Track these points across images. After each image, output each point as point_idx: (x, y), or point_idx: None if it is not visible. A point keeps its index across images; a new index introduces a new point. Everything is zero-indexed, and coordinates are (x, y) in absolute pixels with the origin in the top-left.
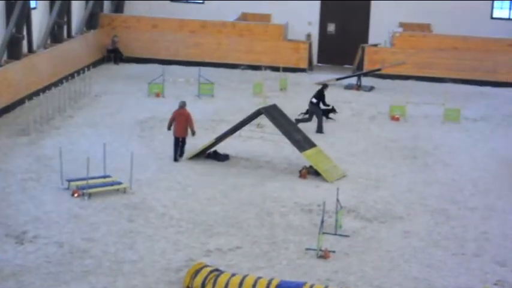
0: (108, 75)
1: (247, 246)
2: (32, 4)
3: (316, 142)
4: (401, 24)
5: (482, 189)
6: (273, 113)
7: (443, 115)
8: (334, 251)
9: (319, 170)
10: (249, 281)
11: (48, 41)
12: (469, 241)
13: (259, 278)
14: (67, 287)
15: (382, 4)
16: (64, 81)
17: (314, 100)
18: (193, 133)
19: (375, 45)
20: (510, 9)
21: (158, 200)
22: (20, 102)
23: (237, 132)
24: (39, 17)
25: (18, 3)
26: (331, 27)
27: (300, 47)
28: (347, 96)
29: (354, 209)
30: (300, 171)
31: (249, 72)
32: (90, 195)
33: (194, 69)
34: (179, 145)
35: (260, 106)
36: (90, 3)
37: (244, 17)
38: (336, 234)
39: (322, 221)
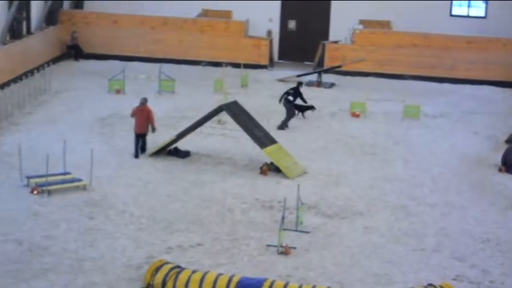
0: (68, 72)
1: (208, 243)
2: None
3: (277, 139)
4: (362, 22)
5: (442, 185)
6: (234, 110)
7: (403, 112)
8: (295, 247)
9: (280, 167)
10: (210, 278)
11: (7, 37)
12: (428, 237)
13: (220, 274)
14: (26, 285)
15: (342, 1)
16: (23, 77)
17: (291, 98)
18: (153, 130)
19: (336, 42)
20: (469, 6)
21: (118, 197)
22: None
23: (198, 129)
24: None
25: None
26: (291, 24)
27: (261, 44)
28: (308, 93)
29: (315, 205)
30: (261, 168)
31: (210, 68)
32: (49, 192)
33: (155, 66)
34: (140, 142)
35: (221, 103)
36: None
37: (205, 13)
38: (296, 230)
39: (283, 218)
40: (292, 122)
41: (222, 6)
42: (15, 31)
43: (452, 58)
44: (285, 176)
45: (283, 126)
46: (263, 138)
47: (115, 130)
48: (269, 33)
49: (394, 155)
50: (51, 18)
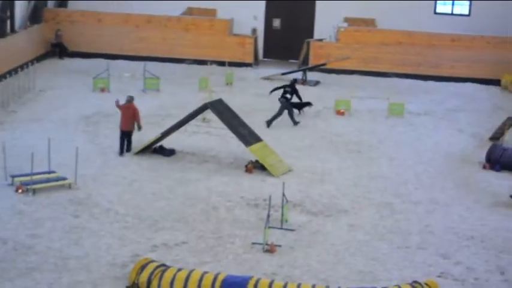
0: (52, 70)
1: (193, 241)
2: None
3: (262, 137)
4: (346, 19)
5: (426, 183)
6: (219, 108)
7: (388, 109)
8: (280, 245)
9: (265, 165)
10: (195, 276)
11: None
12: (413, 234)
13: (206, 273)
14: (11, 284)
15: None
16: (8, 76)
17: (289, 96)
18: (139, 128)
19: (320, 40)
20: (453, 4)
21: (103, 196)
22: None
23: (183, 127)
24: None
25: None
26: (276, 22)
27: (246, 42)
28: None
29: (300, 203)
30: (246, 166)
31: (195, 66)
32: (34, 191)
33: (140, 64)
34: (125, 140)
35: (206, 101)
36: None
37: (190, 11)
38: (281, 228)
39: (268, 215)
40: (277, 119)
41: (207, 4)
42: None
43: (436, 56)
44: (270, 174)
45: (270, 124)
46: (248, 136)
47: (100, 128)
48: (254, 31)
49: (378, 152)
50: (35, 16)
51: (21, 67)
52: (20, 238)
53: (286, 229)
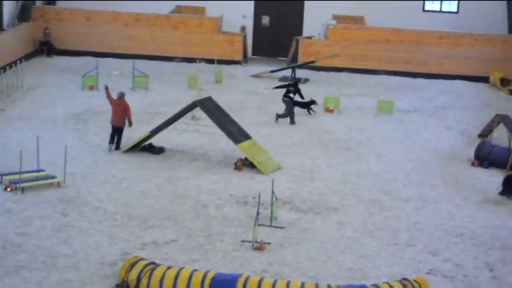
0: (41, 68)
1: (182, 239)
2: None
3: (251, 134)
4: (335, 17)
5: (415, 180)
6: (208, 106)
7: (377, 107)
8: (269, 243)
9: (255, 162)
10: (184, 274)
11: None
12: (402, 231)
13: (195, 270)
14: (0, 283)
15: None
16: None
17: (291, 95)
18: (130, 124)
19: (309, 37)
20: (441, 2)
21: (92, 194)
22: None
23: (172, 125)
24: None
25: None
26: (265, 20)
27: (235, 40)
28: (281, 89)
29: (289, 200)
30: (235, 164)
31: (184, 64)
32: (23, 189)
33: (128, 62)
34: (115, 135)
35: (195, 99)
36: None
37: (179, 9)
38: (271, 226)
39: (258, 213)
40: (263, 118)
41: (196, 2)
42: None
43: (425, 53)
44: (259, 172)
45: (292, 121)
46: (237, 134)
47: (89, 126)
48: (243, 29)
49: (367, 150)
50: (23, 14)
51: (10, 65)
52: (9, 236)
53: (276, 227)
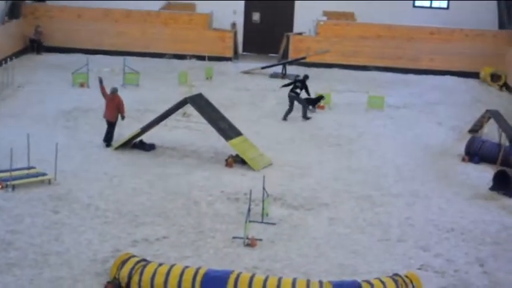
0: (31, 66)
1: (173, 235)
2: None
3: (242, 131)
4: (326, 13)
5: (406, 175)
6: (199, 102)
7: (368, 103)
8: (261, 239)
9: (245, 159)
10: (176, 271)
11: None
12: (393, 227)
13: (187, 267)
14: None
15: None
16: None
17: (298, 91)
18: (122, 118)
19: (300, 33)
20: None
21: (84, 191)
22: None
23: (163, 122)
24: None
25: None
26: (256, 16)
27: (226, 36)
28: (272, 85)
29: (280, 196)
30: (227, 160)
31: (175, 61)
32: (14, 187)
33: (119, 59)
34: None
35: (186, 95)
36: None
37: (169, 6)
38: (262, 222)
39: (249, 209)
40: (257, 114)
41: None
42: None
43: (415, 49)
44: (250, 168)
45: (305, 116)
46: (228, 131)
47: (79, 124)
48: (233, 25)
49: (358, 146)
50: (13, 11)
51: (0, 63)
52: (0, 234)
53: (267, 223)
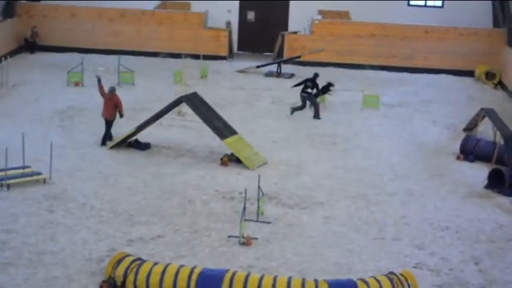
0: (26, 65)
1: (169, 234)
2: None
3: (237, 130)
4: (321, 12)
5: (401, 174)
6: (194, 101)
7: (362, 101)
8: (256, 238)
9: (241, 158)
10: (171, 270)
11: None
12: (388, 226)
13: (182, 266)
14: None
15: None
16: None
17: (309, 90)
18: (121, 116)
19: (295, 32)
20: None
21: (79, 190)
22: None
23: (158, 121)
24: None
25: None
26: (250, 15)
27: (220, 35)
28: (267, 84)
29: (276, 195)
30: (222, 159)
31: (170, 60)
32: (9, 186)
33: (114, 58)
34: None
35: (181, 94)
36: None
37: (164, 5)
38: (257, 221)
39: (244, 208)
40: (252, 113)
41: None
42: None
43: (410, 48)
44: (245, 167)
45: (317, 116)
46: (223, 130)
47: (74, 123)
48: (228, 24)
49: (353, 144)
50: (8, 11)
51: None
52: None
53: (262, 222)
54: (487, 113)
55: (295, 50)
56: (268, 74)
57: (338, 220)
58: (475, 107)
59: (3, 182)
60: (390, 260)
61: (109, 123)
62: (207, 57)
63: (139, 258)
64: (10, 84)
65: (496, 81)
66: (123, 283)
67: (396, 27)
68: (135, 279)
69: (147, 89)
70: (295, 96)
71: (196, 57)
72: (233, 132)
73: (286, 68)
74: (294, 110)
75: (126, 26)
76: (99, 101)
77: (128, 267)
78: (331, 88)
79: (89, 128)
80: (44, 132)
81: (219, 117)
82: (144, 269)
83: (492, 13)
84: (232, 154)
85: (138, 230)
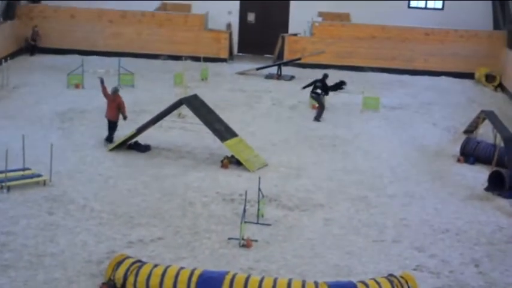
0: (26, 67)
1: (169, 236)
2: None
3: (237, 132)
4: (321, 14)
5: (401, 176)
6: (194, 103)
7: (363, 103)
8: (256, 240)
9: (241, 160)
10: (171, 272)
11: None
12: (388, 228)
13: (182, 268)
14: None
15: None
16: None
17: (319, 91)
18: (124, 118)
19: (295, 34)
20: None
21: (79, 192)
22: None
23: (159, 123)
24: None
25: None
26: (251, 17)
27: (221, 37)
28: (267, 86)
29: (276, 197)
30: (222, 161)
31: (170, 62)
32: (9, 188)
33: (114, 60)
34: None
35: (181, 96)
36: None
37: (164, 7)
38: (258, 223)
39: (244, 210)
40: (252, 115)
41: None
42: None
43: (410, 50)
44: (245, 169)
45: (318, 118)
46: (223, 132)
47: (75, 125)
48: (228, 26)
49: (353, 146)
50: (8, 12)
51: None
52: None
53: (262, 224)
54: (487, 115)
55: (296, 52)
56: (269, 76)
57: (338, 222)
58: (475, 109)
59: (3, 184)
60: (390, 262)
61: (112, 124)
62: (207, 59)
63: (139, 260)
64: (10, 86)
65: (496, 83)
66: (123, 285)
67: (396, 29)
68: (135, 281)
69: (147, 91)
70: (295, 98)
71: (196, 59)
72: (233, 134)
73: (287, 70)
74: (319, 116)
75: (126, 27)
76: (100, 103)
77: (128, 269)
78: (343, 86)
79: (89, 130)
80: (44, 134)
81: (219, 120)
82: (144, 271)
83: (492, 15)
84: (232, 156)
85: (138, 232)
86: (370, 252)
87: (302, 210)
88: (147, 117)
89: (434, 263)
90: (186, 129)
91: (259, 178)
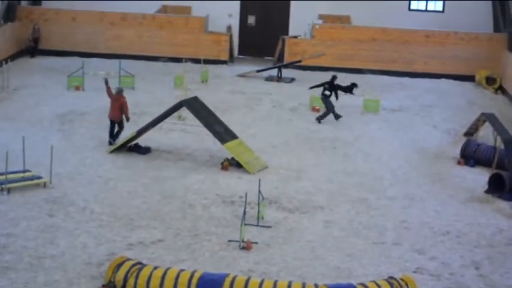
0: (26, 69)
1: (169, 238)
2: None
3: (238, 134)
4: (321, 16)
5: (402, 178)
6: (195, 105)
7: (363, 106)
8: (256, 242)
9: (241, 162)
10: (171, 274)
11: None
12: (388, 230)
13: (182, 270)
14: None
15: None
16: None
17: (327, 93)
18: (127, 119)
19: (295, 37)
20: (427, 1)
21: (79, 194)
22: None
23: (159, 125)
24: None
25: None
26: (251, 19)
27: (221, 39)
28: (268, 88)
29: (276, 200)
30: (222, 163)
31: (170, 64)
32: (9, 190)
33: (114, 62)
34: (114, 127)
35: (181, 98)
36: None
37: (165, 9)
38: (258, 225)
39: (244, 213)
40: (252, 117)
41: (182, 2)
42: None
43: (411, 52)
44: (246, 171)
45: (320, 119)
46: (224, 134)
47: (75, 127)
48: (229, 28)
49: (354, 149)
50: (9, 14)
51: None
52: None
53: (263, 226)
54: (487, 117)
55: (296, 54)
56: (269, 79)
57: (338, 224)
58: (476, 111)
59: (3, 185)
60: (390, 264)
61: (114, 124)
62: (207, 62)
63: (139, 263)
64: (11, 88)
65: (496, 86)
66: (123, 287)
67: (397, 32)
68: (135, 283)
69: (147, 93)
70: (296, 100)
71: (196, 61)
72: (234, 136)
73: (287, 73)
74: (336, 116)
75: (126, 30)
76: (100, 105)
77: (128, 271)
78: (355, 89)
79: (89, 132)
80: (44, 136)
81: (219, 122)
82: (144, 273)
83: (493, 18)
84: (232, 158)
85: (138, 234)
86: (371, 255)
87: (302, 212)
88: (148, 119)
89: (434, 266)
90: (186, 131)
91: (260, 180)
